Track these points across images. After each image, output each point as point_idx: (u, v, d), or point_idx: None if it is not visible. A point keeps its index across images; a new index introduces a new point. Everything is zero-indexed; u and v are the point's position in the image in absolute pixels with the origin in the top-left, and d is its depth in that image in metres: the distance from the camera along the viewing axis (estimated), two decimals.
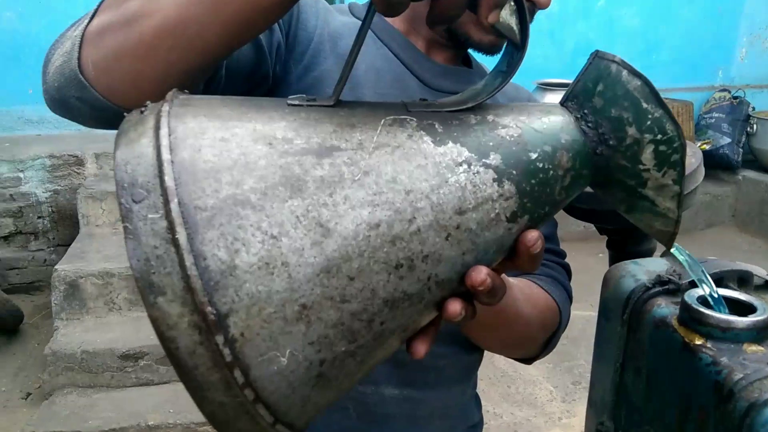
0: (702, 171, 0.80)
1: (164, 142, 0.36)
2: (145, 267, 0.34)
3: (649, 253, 0.87)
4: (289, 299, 0.36)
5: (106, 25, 0.52)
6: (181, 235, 0.34)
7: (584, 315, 2.60)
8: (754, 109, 4.09)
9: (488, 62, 0.85)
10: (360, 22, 0.77)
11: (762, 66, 4.42)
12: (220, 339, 0.34)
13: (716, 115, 4.08)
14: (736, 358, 0.51)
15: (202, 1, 0.48)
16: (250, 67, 0.65)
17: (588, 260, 2.75)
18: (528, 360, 0.81)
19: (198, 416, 2.33)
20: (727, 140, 4.00)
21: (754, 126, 3.96)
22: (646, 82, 0.44)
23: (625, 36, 4.13)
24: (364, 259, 0.38)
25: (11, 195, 3.22)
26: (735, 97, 4.11)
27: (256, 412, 0.36)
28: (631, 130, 0.44)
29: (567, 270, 0.84)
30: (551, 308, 0.75)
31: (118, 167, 0.35)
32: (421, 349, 0.45)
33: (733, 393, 0.48)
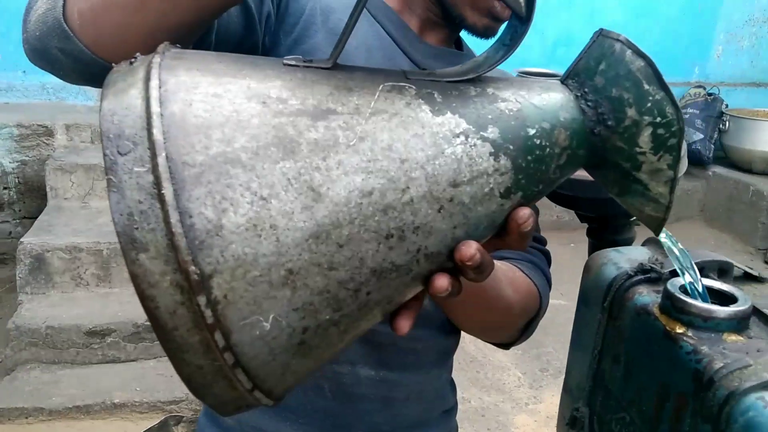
0: (686, 162, 0.81)
1: (154, 94, 0.35)
2: (128, 222, 0.32)
3: (628, 243, 0.88)
4: (276, 263, 0.35)
5: None
6: (168, 191, 0.32)
7: (554, 303, 2.62)
8: (727, 106, 4.16)
9: (479, 48, 0.84)
10: None
11: (737, 64, 4.49)
12: (202, 300, 0.33)
13: (690, 111, 4.14)
14: (717, 347, 0.52)
15: None
16: (239, 35, 0.63)
17: (559, 250, 2.78)
18: (506, 345, 0.81)
19: (164, 395, 2.30)
20: (699, 136, 4.06)
21: (727, 123, 4.03)
22: (650, 63, 0.43)
23: (606, 28, 4.15)
24: (355, 227, 0.37)
25: None
26: (710, 94, 4.17)
27: (235, 377, 0.36)
28: (631, 112, 0.43)
29: (547, 257, 0.84)
30: (532, 293, 0.75)
31: (104, 118, 0.34)
32: (404, 325, 0.44)
33: (713, 381, 0.48)
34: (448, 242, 0.41)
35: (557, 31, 4.04)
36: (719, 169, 4.15)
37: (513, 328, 0.76)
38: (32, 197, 3.22)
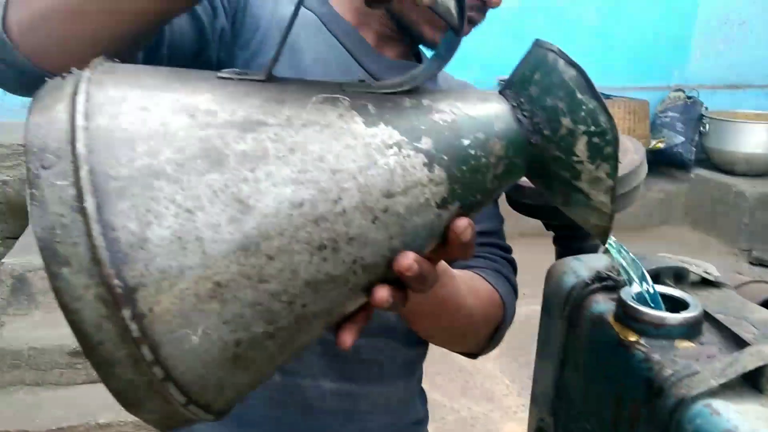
0: (645, 168, 0.81)
1: (80, 108, 0.35)
2: (50, 236, 0.32)
3: (593, 250, 0.88)
4: (203, 276, 0.35)
5: None
6: (90, 204, 0.33)
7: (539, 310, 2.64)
8: (707, 109, 4.19)
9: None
10: (309, 12, 0.76)
11: (715, 67, 4.54)
12: (127, 313, 0.33)
13: (671, 114, 4.17)
14: (668, 354, 0.52)
15: None
16: (191, 50, 0.64)
17: (545, 256, 2.79)
18: (473, 354, 0.81)
19: None
20: (680, 139, 4.09)
21: (707, 125, 4.06)
22: (582, 73, 0.44)
23: (584, 34, 4.19)
24: (285, 239, 0.37)
25: None
26: (689, 97, 4.21)
27: (167, 392, 0.35)
28: (566, 121, 0.44)
29: (513, 265, 0.84)
30: (495, 301, 0.75)
31: (29, 132, 0.34)
32: (347, 338, 0.44)
33: (663, 389, 0.49)
34: (386, 253, 0.41)
35: (536, 37, 4.07)
36: (702, 172, 4.18)
37: (477, 337, 0.76)
38: (14, 217, 3.19)
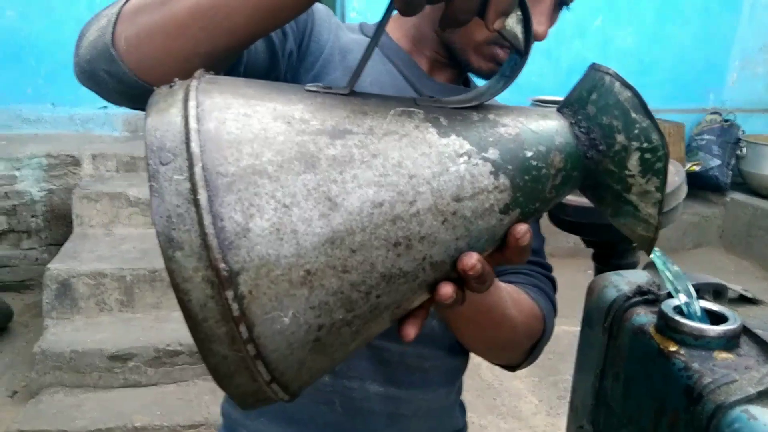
0: (684, 189, 0.84)
1: (192, 112, 0.39)
2: (167, 223, 0.37)
3: (632, 266, 0.91)
4: (296, 264, 0.39)
5: (142, 4, 0.56)
6: (202, 197, 0.37)
7: (571, 330, 2.62)
8: (744, 132, 4.16)
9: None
10: (368, 39, 0.81)
11: (752, 90, 4.50)
12: (230, 294, 0.37)
13: (707, 137, 4.15)
14: (707, 364, 0.54)
15: None
16: (264, 69, 0.69)
17: (576, 276, 2.79)
18: (512, 368, 0.83)
19: (184, 419, 2.34)
20: (716, 162, 4.06)
21: (744, 149, 4.03)
22: (636, 94, 0.47)
23: (619, 56, 4.20)
24: (366, 234, 0.41)
25: (6, 193, 3.23)
26: (726, 120, 4.18)
27: (255, 369, 0.39)
28: (620, 137, 0.47)
29: (553, 283, 0.87)
30: (536, 315, 0.78)
31: (149, 132, 0.38)
32: (411, 331, 0.47)
33: (702, 396, 0.51)
34: (452, 252, 0.45)
35: (571, 59, 4.09)
36: (738, 195, 4.13)
37: (518, 349, 0.79)
38: (58, 225, 3.31)
